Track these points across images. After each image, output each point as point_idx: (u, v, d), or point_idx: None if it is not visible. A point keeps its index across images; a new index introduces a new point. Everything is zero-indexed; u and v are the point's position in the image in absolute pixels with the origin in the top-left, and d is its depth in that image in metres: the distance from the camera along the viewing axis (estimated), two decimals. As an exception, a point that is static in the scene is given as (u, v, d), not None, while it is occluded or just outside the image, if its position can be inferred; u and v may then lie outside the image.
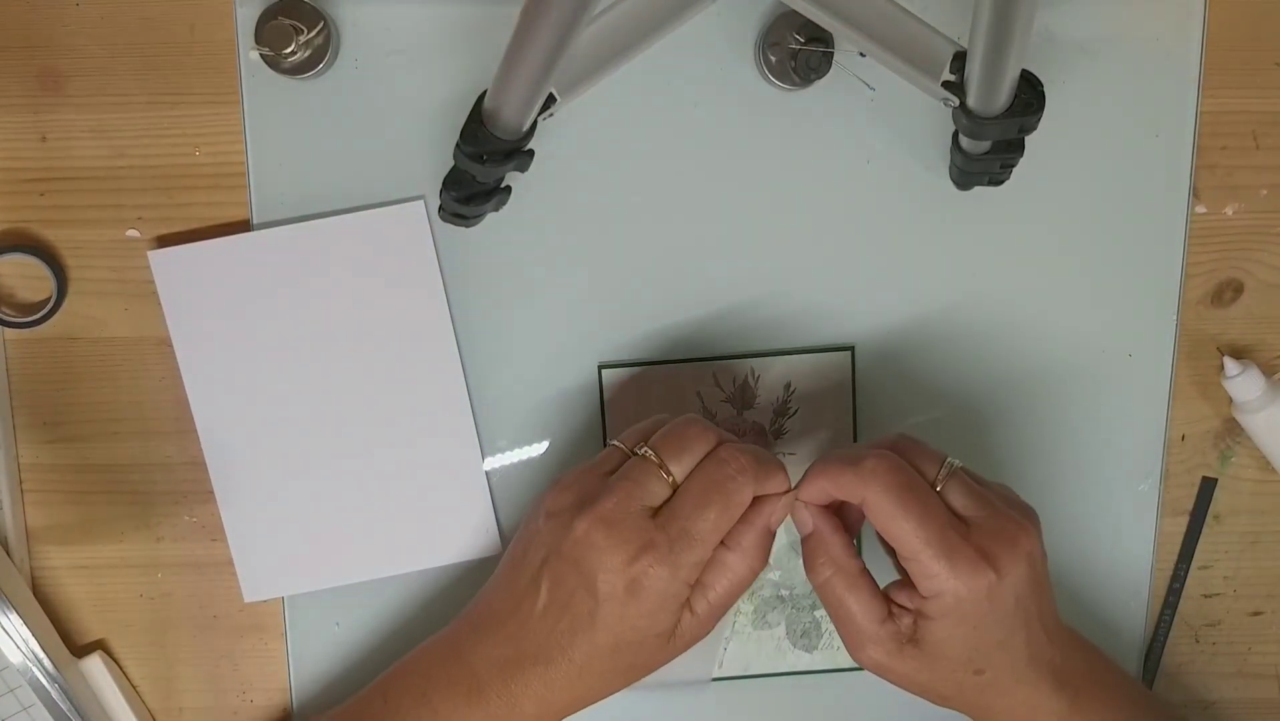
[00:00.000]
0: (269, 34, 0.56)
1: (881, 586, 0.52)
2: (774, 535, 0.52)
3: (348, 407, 0.60)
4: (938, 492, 0.50)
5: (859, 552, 0.53)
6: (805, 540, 0.53)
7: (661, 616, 0.50)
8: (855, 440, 0.61)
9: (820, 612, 0.62)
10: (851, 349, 0.60)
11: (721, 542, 0.51)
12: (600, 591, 0.49)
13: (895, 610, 0.51)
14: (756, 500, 0.51)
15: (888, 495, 0.48)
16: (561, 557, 0.50)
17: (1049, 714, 0.52)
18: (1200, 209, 0.61)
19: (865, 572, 0.52)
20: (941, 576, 0.48)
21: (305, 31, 0.56)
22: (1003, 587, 0.49)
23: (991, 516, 0.50)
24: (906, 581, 0.51)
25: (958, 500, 0.50)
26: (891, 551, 0.52)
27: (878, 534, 0.51)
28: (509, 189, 0.57)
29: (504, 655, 0.52)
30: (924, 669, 0.51)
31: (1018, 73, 0.48)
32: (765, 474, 0.51)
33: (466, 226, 0.58)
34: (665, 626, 0.50)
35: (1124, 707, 0.54)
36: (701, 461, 0.51)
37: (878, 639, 0.50)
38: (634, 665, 0.52)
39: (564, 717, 0.53)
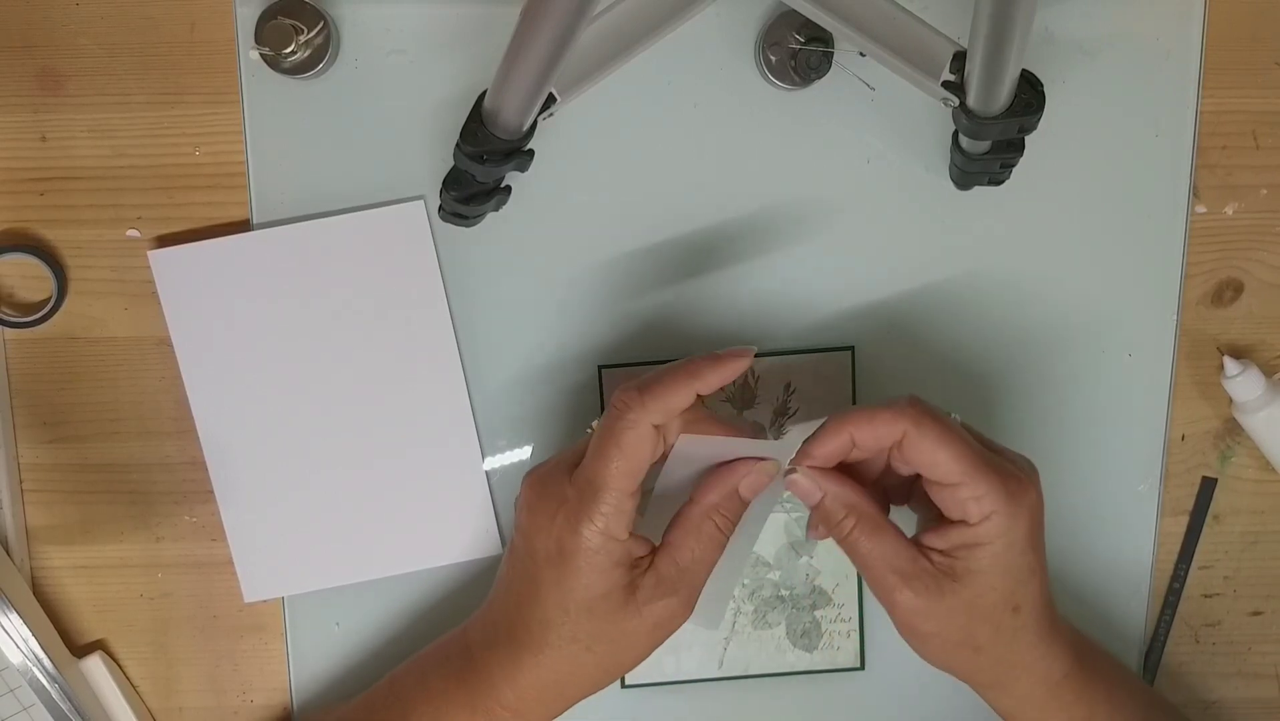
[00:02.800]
0: (269, 34, 0.56)
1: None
2: (746, 502, 0.51)
3: (348, 408, 0.60)
4: None
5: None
6: (816, 508, 0.51)
7: (596, 576, 0.49)
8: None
9: (820, 612, 0.62)
10: (851, 349, 0.60)
11: (691, 499, 0.51)
12: (538, 553, 0.50)
13: (925, 549, 0.50)
14: (733, 463, 0.50)
15: (928, 426, 0.48)
16: (515, 528, 0.52)
17: (1063, 673, 0.52)
18: (1200, 208, 0.61)
19: (884, 516, 0.50)
20: (992, 495, 0.48)
21: (305, 31, 0.56)
22: (1038, 510, 0.49)
23: (1009, 451, 0.51)
24: (938, 524, 0.50)
25: (980, 439, 0.50)
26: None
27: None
28: (509, 189, 0.57)
29: (485, 631, 0.53)
30: (964, 608, 0.49)
31: (1018, 72, 0.48)
32: (656, 395, 0.49)
33: (466, 226, 0.58)
34: (607, 586, 0.49)
35: (1117, 671, 0.55)
36: None
37: (914, 576, 0.49)
38: (598, 639, 0.50)
39: (546, 704, 0.52)
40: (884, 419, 0.48)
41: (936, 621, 0.50)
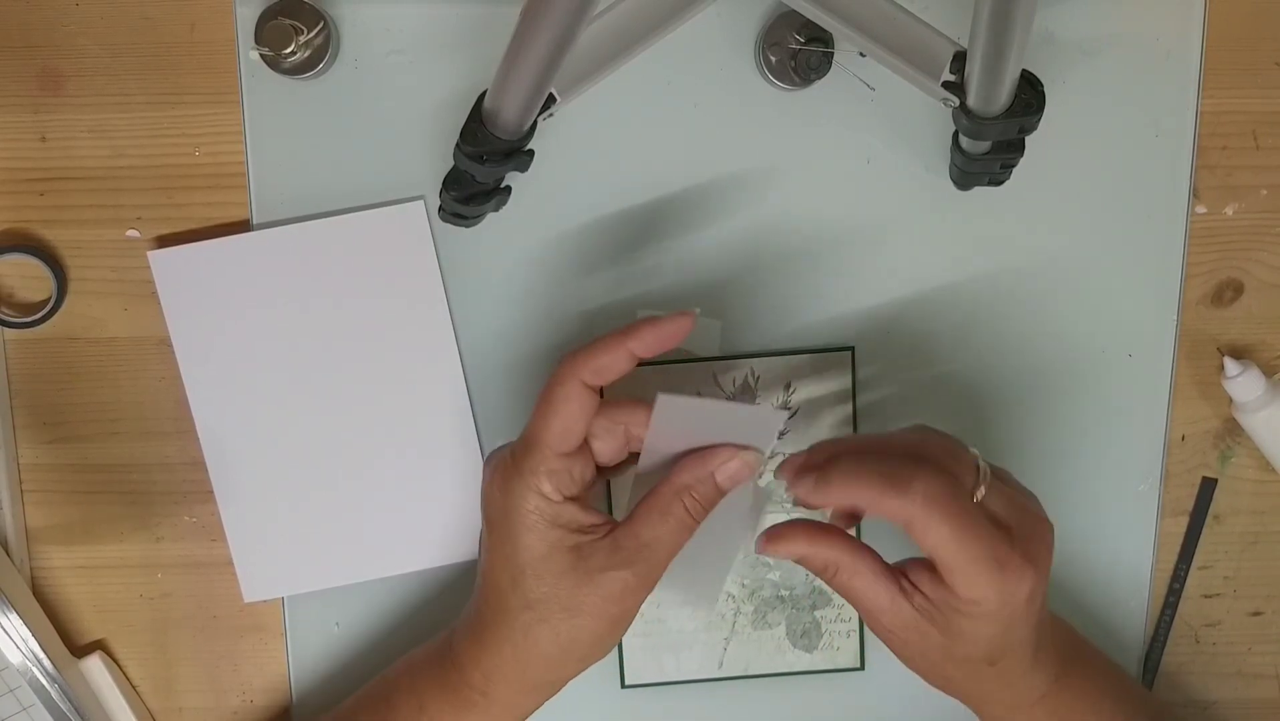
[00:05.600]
0: (269, 34, 0.56)
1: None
2: (722, 491, 0.50)
3: (348, 408, 0.60)
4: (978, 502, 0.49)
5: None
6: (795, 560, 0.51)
7: (533, 537, 0.49)
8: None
9: (820, 612, 0.61)
10: (851, 349, 0.60)
11: (665, 477, 0.50)
12: (488, 522, 0.51)
13: (907, 586, 0.49)
14: (715, 448, 0.49)
15: (936, 516, 0.46)
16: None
17: (1039, 695, 0.52)
18: (1200, 209, 0.61)
19: (864, 556, 0.49)
20: (987, 587, 0.47)
21: (305, 31, 0.56)
22: (1038, 589, 0.48)
23: (1026, 520, 0.49)
24: (934, 568, 0.48)
25: (997, 506, 0.49)
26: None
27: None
28: (509, 189, 0.57)
29: (464, 618, 0.54)
30: (940, 649, 0.49)
31: (1018, 73, 0.48)
32: (589, 352, 0.48)
33: (466, 226, 0.58)
34: (546, 547, 0.49)
35: (1103, 681, 0.55)
36: None
37: (892, 612, 0.49)
38: (549, 606, 0.49)
39: (512, 685, 0.52)
40: (891, 507, 0.47)
41: (909, 651, 0.50)
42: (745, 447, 0.50)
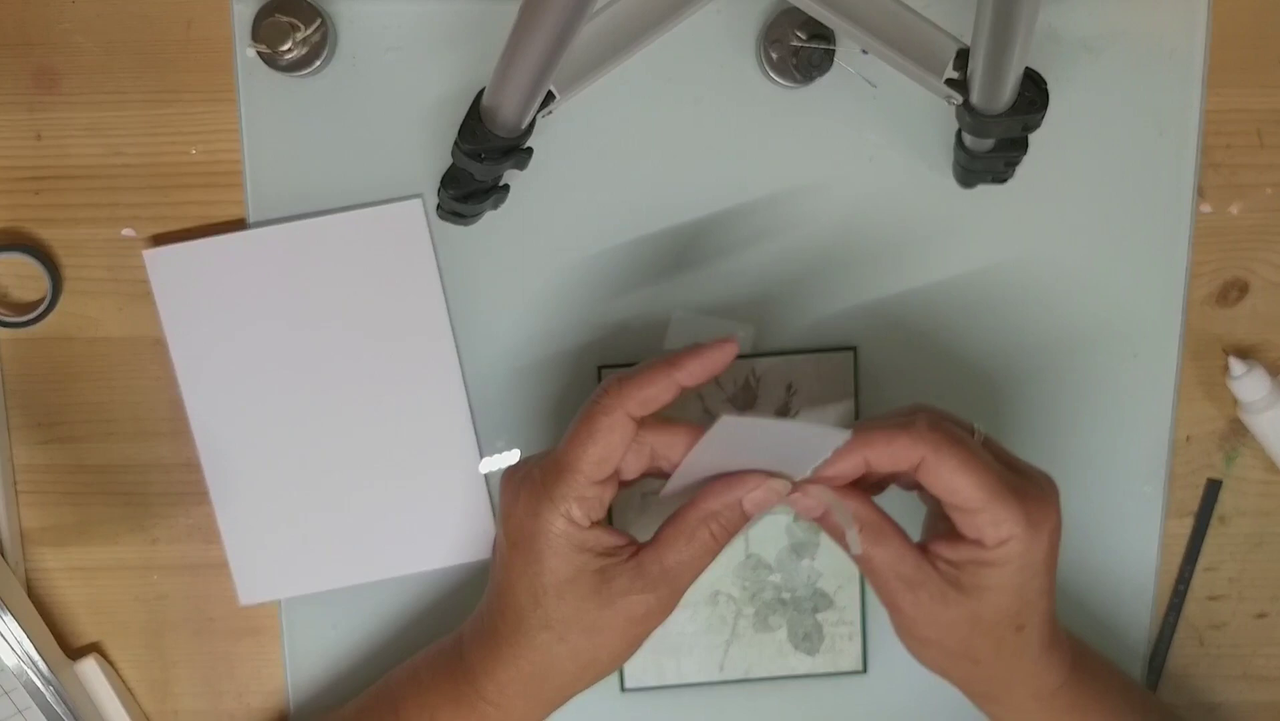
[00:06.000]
0: (266, 31, 0.55)
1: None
2: (748, 516, 0.49)
3: (344, 408, 0.59)
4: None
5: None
6: (820, 519, 0.50)
7: (559, 561, 0.48)
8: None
9: (822, 615, 0.61)
10: (854, 350, 0.60)
11: (691, 502, 0.49)
12: (508, 539, 0.50)
13: (933, 556, 0.49)
14: (743, 474, 0.49)
15: (947, 450, 0.47)
16: (497, 520, 0.52)
17: (1060, 682, 0.52)
18: (1205, 208, 0.61)
19: (889, 521, 0.49)
20: (1011, 521, 0.47)
21: (302, 29, 0.56)
22: (1057, 533, 0.48)
23: (1031, 470, 0.50)
24: (950, 535, 0.49)
25: (999, 453, 0.50)
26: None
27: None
28: (507, 187, 0.57)
29: (474, 625, 0.53)
30: (968, 620, 0.49)
31: (1021, 70, 0.47)
32: (635, 384, 0.48)
33: (465, 225, 0.58)
34: (572, 571, 0.48)
35: (1113, 678, 0.55)
36: None
37: (919, 584, 0.48)
38: (570, 627, 0.49)
39: (527, 698, 0.51)
40: (902, 444, 0.47)
41: (937, 630, 0.49)
42: (774, 475, 0.49)
